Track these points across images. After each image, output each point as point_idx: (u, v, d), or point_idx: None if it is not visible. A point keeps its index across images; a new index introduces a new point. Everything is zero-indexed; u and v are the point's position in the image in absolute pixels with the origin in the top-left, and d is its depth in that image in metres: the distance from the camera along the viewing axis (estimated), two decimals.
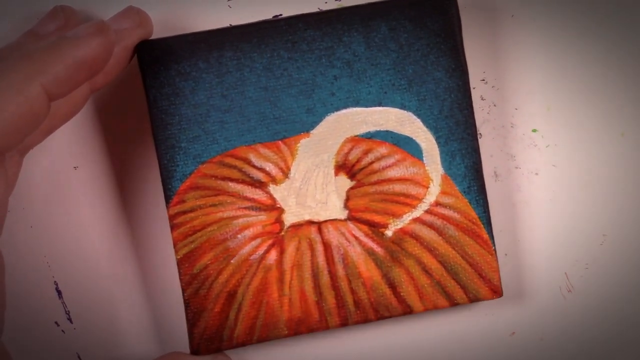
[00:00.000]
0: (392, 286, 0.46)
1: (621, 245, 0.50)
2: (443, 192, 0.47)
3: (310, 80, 0.46)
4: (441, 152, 0.46)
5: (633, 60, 0.50)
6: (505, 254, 0.50)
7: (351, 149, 0.46)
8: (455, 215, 0.47)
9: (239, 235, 0.46)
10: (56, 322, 0.49)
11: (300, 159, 0.46)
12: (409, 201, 0.46)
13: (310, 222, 0.46)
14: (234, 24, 0.47)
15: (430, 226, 0.46)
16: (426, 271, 0.46)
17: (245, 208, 0.46)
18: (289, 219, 0.46)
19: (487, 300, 0.49)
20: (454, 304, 0.47)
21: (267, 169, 0.46)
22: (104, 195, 0.49)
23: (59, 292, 0.49)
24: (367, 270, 0.46)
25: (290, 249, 0.46)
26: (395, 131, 0.46)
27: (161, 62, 0.46)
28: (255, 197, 0.46)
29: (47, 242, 0.49)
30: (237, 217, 0.46)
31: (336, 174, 0.47)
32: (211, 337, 0.46)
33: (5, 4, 0.48)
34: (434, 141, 0.46)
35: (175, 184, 0.46)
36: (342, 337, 0.49)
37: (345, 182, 0.47)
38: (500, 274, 0.48)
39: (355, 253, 0.46)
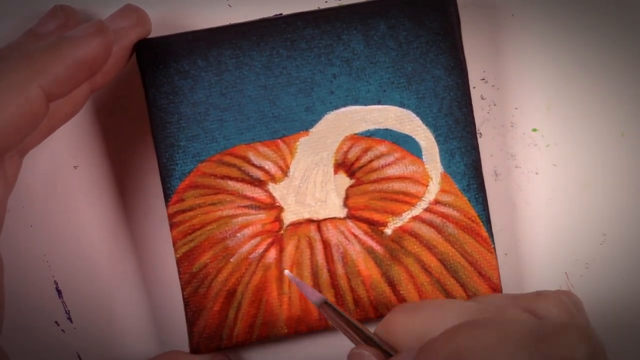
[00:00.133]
0: (392, 284, 0.46)
1: (621, 245, 0.50)
2: (442, 190, 0.47)
3: (310, 79, 0.46)
4: (440, 150, 0.46)
5: (633, 60, 0.50)
6: (505, 254, 0.50)
7: (350, 147, 0.46)
8: (455, 214, 0.47)
9: (238, 234, 0.46)
10: (56, 322, 0.49)
11: (300, 158, 0.46)
12: (408, 199, 0.46)
13: (310, 221, 0.46)
14: (233, 22, 0.47)
15: (430, 224, 0.46)
16: (425, 269, 0.46)
17: (244, 207, 0.46)
18: (288, 217, 0.46)
19: None
20: None
21: (267, 167, 0.46)
22: (104, 194, 0.49)
23: (59, 292, 0.49)
24: (367, 268, 0.46)
25: (290, 248, 0.46)
26: (394, 129, 0.46)
27: (160, 61, 0.46)
28: (255, 195, 0.46)
29: (46, 242, 0.49)
30: (236, 216, 0.46)
31: (335, 172, 0.47)
32: (211, 336, 0.46)
33: (5, 4, 0.48)
34: (433, 139, 0.46)
35: (174, 182, 0.46)
36: (341, 335, 0.49)
37: (344, 181, 0.47)
38: (500, 273, 0.48)
39: (355, 251, 0.46)
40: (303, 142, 0.46)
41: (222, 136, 0.46)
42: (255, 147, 0.46)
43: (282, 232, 0.46)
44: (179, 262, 0.46)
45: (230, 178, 0.46)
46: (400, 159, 0.46)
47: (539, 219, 0.50)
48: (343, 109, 0.46)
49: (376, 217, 0.46)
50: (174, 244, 0.46)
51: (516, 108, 0.50)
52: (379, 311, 0.46)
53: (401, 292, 0.46)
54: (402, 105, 0.46)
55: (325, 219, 0.46)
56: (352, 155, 0.46)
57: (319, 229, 0.46)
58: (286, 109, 0.46)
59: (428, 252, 0.46)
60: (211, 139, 0.46)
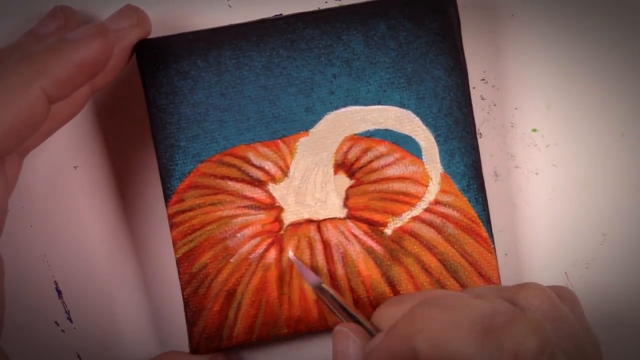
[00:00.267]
0: (392, 284, 0.46)
1: (621, 245, 0.50)
2: (442, 191, 0.47)
3: (309, 79, 0.46)
4: (440, 151, 0.46)
5: (633, 60, 0.50)
6: (505, 254, 0.50)
7: (350, 148, 0.46)
8: (455, 214, 0.47)
9: (238, 234, 0.46)
10: (56, 322, 0.49)
11: (300, 158, 0.46)
12: (408, 200, 0.46)
13: (310, 221, 0.46)
14: (233, 23, 0.47)
15: (430, 224, 0.46)
16: (425, 269, 0.46)
17: (244, 207, 0.46)
18: (288, 217, 0.46)
19: None
20: None
21: (267, 167, 0.46)
22: (104, 194, 0.49)
23: (59, 292, 0.49)
24: (367, 268, 0.46)
25: (290, 248, 0.46)
26: (394, 130, 0.46)
27: (160, 61, 0.46)
28: (255, 195, 0.46)
29: (46, 242, 0.49)
30: (236, 216, 0.46)
31: (335, 172, 0.47)
32: (210, 336, 0.46)
33: (5, 4, 0.48)
34: (433, 140, 0.46)
35: (174, 183, 0.46)
36: None
37: (344, 181, 0.47)
38: (500, 274, 0.48)
39: (355, 252, 0.46)
40: (303, 143, 0.46)
41: (222, 136, 0.46)
42: (255, 148, 0.46)
43: (282, 232, 0.46)
44: (179, 262, 0.46)
45: (230, 178, 0.46)
46: (400, 159, 0.46)
47: (539, 219, 0.50)
48: (343, 110, 0.46)
49: (376, 217, 0.46)
50: (174, 244, 0.46)
51: (516, 108, 0.50)
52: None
53: (401, 292, 0.46)
54: (402, 105, 0.46)
55: (325, 219, 0.46)
56: (352, 155, 0.46)
57: (319, 229, 0.46)
58: (286, 110, 0.46)
59: (428, 253, 0.46)
60: (211, 140, 0.46)
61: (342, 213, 0.47)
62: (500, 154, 0.50)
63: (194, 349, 0.46)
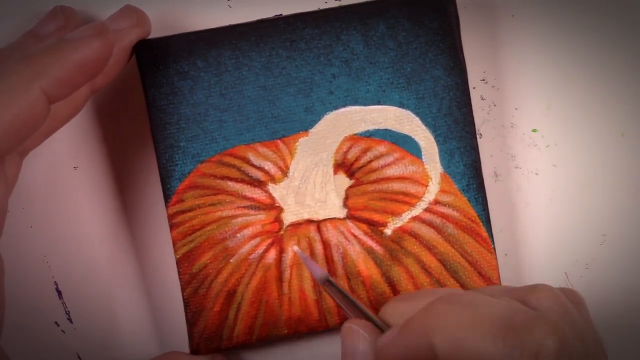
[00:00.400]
0: (392, 285, 0.46)
1: (621, 245, 0.50)
2: (442, 191, 0.47)
3: (309, 79, 0.46)
4: (440, 151, 0.46)
5: (633, 60, 0.50)
6: (505, 254, 0.50)
7: (350, 148, 0.46)
8: (454, 214, 0.47)
9: (238, 235, 0.46)
10: (56, 322, 0.49)
11: (299, 158, 0.46)
12: (408, 200, 0.46)
13: (310, 221, 0.46)
14: (233, 23, 0.47)
15: (430, 224, 0.46)
16: (425, 269, 0.46)
17: (244, 207, 0.46)
18: (288, 218, 0.46)
19: None
20: None
21: (266, 167, 0.46)
22: (104, 195, 0.49)
23: (59, 292, 0.49)
24: (367, 268, 0.46)
25: (290, 248, 0.46)
26: (394, 129, 0.46)
27: (160, 62, 0.46)
28: (254, 196, 0.46)
29: (47, 242, 0.49)
30: (236, 216, 0.46)
31: (335, 172, 0.47)
32: (211, 337, 0.46)
33: (5, 4, 0.48)
34: (432, 139, 0.46)
35: (174, 183, 0.46)
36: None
37: (344, 181, 0.47)
38: (500, 274, 0.48)
39: (355, 252, 0.46)
40: (302, 143, 0.46)
41: (221, 137, 0.46)
42: (254, 148, 0.46)
43: (282, 232, 0.46)
44: (179, 262, 0.46)
45: (230, 179, 0.46)
46: (399, 159, 0.46)
47: (539, 219, 0.50)
48: (342, 110, 0.46)
49: (376, 217, 0.46)
50: (174, 244, 0.46)
51: (516, 108, 0.50)
52: (379, 311, 0.46)
53: (401, 292, 0.46)
54: (401, 105, 0.46)
55: (325, 220, 0.46)
56: (351, 155, 0.46)
57: (319, 230, 0.46)
58: (285, 110, 0.46)
59: (428, 253, 0.46)
60: (211, 140, 0.46)
61: (341, 213, 0.47)
62: (500, 154, 0.50)
63: (194, 350, 0.46)
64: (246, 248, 0.46)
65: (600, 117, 0.50)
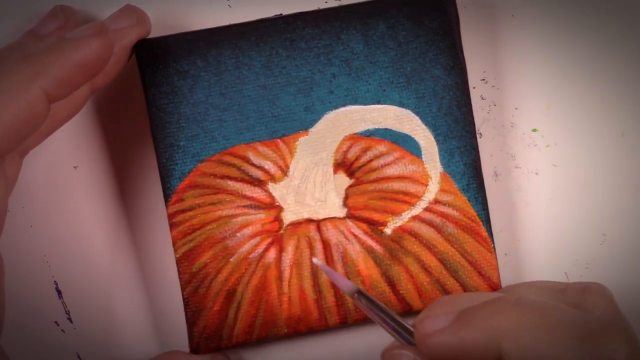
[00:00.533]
0: (392, 284, 0.46)
1: (621, 245, 0.50)
2: (442, 190, 0.47)
3: (309, 78, 0.46)
4: (440, 150, 0.46)
5: (633, 60, 0.50)
6: (505, 254, 0.50)
7: (350, 147, 0.46)
8: (454, 213, 0.47)
9: (238, 234, 0.46)
10: (56, 322, 0.49)
11: (299, 157, 0.46)
12: (408, 199, 0.46)
13: (309, 221, 0.46)
14: (233, 22, 0.47)
15: (429, 224, 0.46)
16: (425, 269, 0.46)
17: (244, 206, 0.46)
18: (288, 217, 0.46)
19: None
20: None
21: (266, 167, 0.46)
22: (104, 194, 0.49)
23: (59, 292, 0.49)
24: (367, 268, 0.46)
25: (290, 247, 0.46)
26: (394, 129, 0.46)
27: (160, 61, 0.46)
28: (254, 195, 0.46)
29: (46, 242, 0.49)
30: (236, 216, 0.46)
31: (335, 172, 0.47)
32: (210, 336, 0.46)
33: (5, 4, 0.48)
34: (432, 139, 0.46)
35: (174, 182, 0.46)
36: (341, 335, 0.49)
37: (344, 180, 0.47)
38: (500, 274, 0.48)
39: (355, 251, 0.46)
40: (302, 142, 0.46)
41: (221, 136, 0.46)
42: (254, 147, 0.46)
43: (281, 231, 0.46)
44: (178, 262, 0.46)
45: (230, 178, 0.46)
46: (399, 158, 0.46)
47: (539, 219, 0.50)
48: (342, 109, 0.46)
49: (376, 216, 0.46)
50: (174, 243, 0.46)
51: (516, 108, 0.50)
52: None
53: (401, 291, 0.46)
54: (401, 104, 0.46)
55: (324, 219, 0.46)
56: (351, 154, 0.46)
57: (319, 229, 0.46)
58: (285, 109, 0.46)
59: (428, 252, 0.46)
60: (211, 139, 0.46)
61: (341, 212, 0.47)
62: (500, 154, 0.50)
63: (194, 349, 0.46)
64: (246, 247, 0.46)
65: (600, 117, 0.50)
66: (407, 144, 0.46)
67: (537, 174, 0.50)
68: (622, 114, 0.50)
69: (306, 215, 0.46)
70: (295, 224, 0.46)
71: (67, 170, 0.49)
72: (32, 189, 0.49)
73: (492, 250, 0.47)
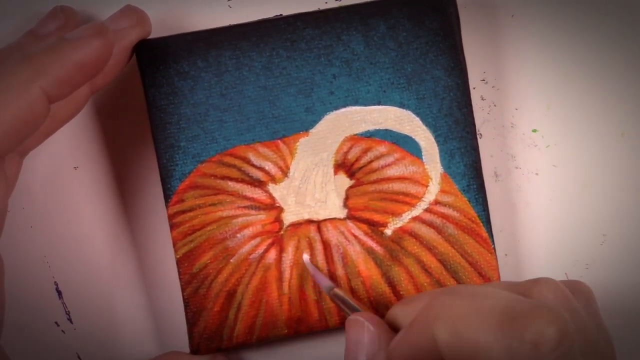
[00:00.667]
0: (392, 285, 0.46)
1: (621, 245, 0.50)
2: (442, 191, 0.47)
3: (309, 79, 0.46)
4: (440, 151, 0.46)
5: (633, 60, 0.50)
6: (505, 254, 0.50)
7: (350, 148, 0.46)
8: (455, 214, 0.47)
9: (238, 235, 0.46)
10: (56, 322, 0.49)
11: (300, 158, 0.46)
12: (408, 200, 0.46)
13: (310, 221, 0.46)
14: (233, 23, 0.47)
15: (430, 225, 0.46)
16: (425, 270, 0.46)
17: (244, 207, 0.46)
18: (288, 218, 0.46)
19: None
20: None
21: (267, 168, 0.46)
22: (104, 195, 0.49)
23: (59, 292, 0.49)
24: (367, 269, 0.46)
25: (290, 248, 0.46)
26: (394, 130, 0.46)
27: (160, 62, 0.46)
28: (255, 196, 0.46)
29: (47, 242, 0.49)
30: (236, 216, 0.46)
31: (335, 172, 0.47)
32: (211, 337, 0.46)
33: (5, 4, 0.48)
34: (433, 140, 0.46)
35: (174, 183, 0.46)
36: (341, 335, 0.49)
37: (344, 181, 0.47)
38: (500, 274, 0.48)
39: (355, 252, 0.46)
40: (303, 143, 0.46)
41: (222, 137, 0.46)
42: (255, 148, 0.46)
43: (282, 232, 0.46)
44: (179, 262, 0.46)
45: (230, 179, 0.46)
46: (400, 159, 0.46)
47: (539, 219, 0.50)
48: (343, 110, 0.46)
49: (376, 217, 0.46)
50: (174, 244, 0.46)
51: (516, 109, 0.50)
52: (379, 312, 0.46)
53: (401, 292, 0.46)
54: (402, 105, 0.46)
55: (325, 220, 0.46)
56: (352, 155, 0.46)
57: (319, 230, 0.46)
58: (286, 110, 0.46)
59: (428, 253, 0.46)
60: (211, 140, 0.46)
61: (342, 213, 0.47)
62: (501, 154, 0.50)
63: (194, 350, 0.46)
64: (246, 248, 0.46)
65: (600, 117, 0.50)
66: (407, 145, 0.46)
67: (537, 174, 0.50)
68: (622, 114, 0.50)
69: (306, 216, 0.46)
70: (296, 225, 0.46)
71: (67, 170, 0.49)
72: (32, 189, 0.49)
73: (492, 251, 0.47)
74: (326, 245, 0.46)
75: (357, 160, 0.46)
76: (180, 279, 0.46)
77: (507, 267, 0.50)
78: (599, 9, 0.50)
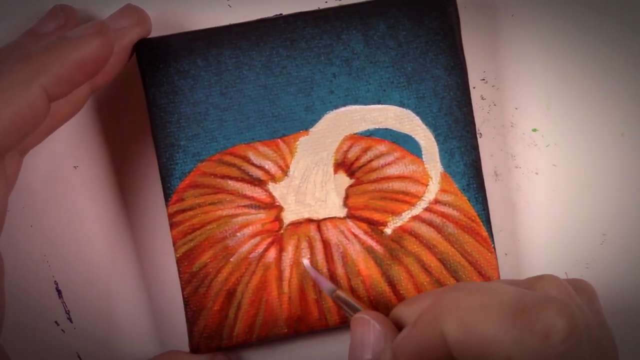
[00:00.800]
0: (392, 284, 0.46)
1: (621, 245, 0.50)
2: (442, 190, 0.47)
3: (309, 78, 0.46)
4: (440, 150, 0.46)
5: (633, 60, 0.50)
6: (505, 254, 0.50)
7: (350, 147, 0.46)
8: (455, 213, 0.47)
9: (238, 234, 0.46)
10: (56, 322, 0.49)
11: (300, 157, 0.46)
12: (408, 199, 0.46)
13: (310, 220, 0.46)
14: (233, 22, 0.47)
15: (430, 224, 0.46)
16: (425, 269, 0.46)
17: (244, 206, 0.46)
18: (288, 217, 0.46)
19: None
20: None
21: (266, 167, 0.46)
22: (104, 194, 0.49)
23: (59, 292, 0.49)
24: (367, 268, 0.46)
25: (290, 247, 0.46)
26: (394, 129, 0.46)
27: (160, 61, 0.46)
28: (255, 195, 0.46)
29: (47, 242, 0.49)
30: (236, 215, 0.46)
31: (335, 171, 0.47)
32: (211, 336, 0.46)
33: (5, 4, 0.48)
34: (433, 139, 0.46)
35: (174, 182, 0.46)
36: (341, 335, 0.49)
37: (344, 180, 0.47)
38: (500, 273, 0.48)
39: (355, 251, 0.46)
40: (303, 142, 0.46)
41: (222, 136, 0.46)
42: (255, 147, 0.46)
43: (282, 231, 0.46)
44: (179, 261, 0.46)
45: (230, 177, 0.46)
46: (400, 158, 0.46)
47: (539, 219, 0.50)
48: (343, 109, 0.46)
49: (376, 216, 0.46)
50: (174, 243, 0.46)
51: (516, 108, 0.50)
52: (379, 311, 0.46)
53: (401, 291, 0.46)
54: (401, 104, 0.46)
55: (325, 219, 0.46)
56: (352, 154, 0.46)
57: (319, 229, 0.46)
58: (286, 109, 0.46)
59: (428, 252, 0.46)
60: (211, 139, 0.46)
61: (342, 212, 0.47)
62: (500, 153, 0.50)
63: (194, 349, 0.46)
64: (246, 247, 0.46)
65: (600, 117, 0.50)
66: (407, 144, 0.46)
67: (537, 173, 0.50)
68: (622, 114, 0.50)
69: (306, 215, 0.46)
70: (296, 224, 0.46)
71: (67, 170, 0.49)
72: (32, 188, 0.49)
73: (492, 250, 0.47)
74: (326, 244, 0.46)
75: (357, 159, 0.46)
76: (180, 278, 0.46)
77: (507, 266, 0.50)
78: (599, 9, 0.50)
